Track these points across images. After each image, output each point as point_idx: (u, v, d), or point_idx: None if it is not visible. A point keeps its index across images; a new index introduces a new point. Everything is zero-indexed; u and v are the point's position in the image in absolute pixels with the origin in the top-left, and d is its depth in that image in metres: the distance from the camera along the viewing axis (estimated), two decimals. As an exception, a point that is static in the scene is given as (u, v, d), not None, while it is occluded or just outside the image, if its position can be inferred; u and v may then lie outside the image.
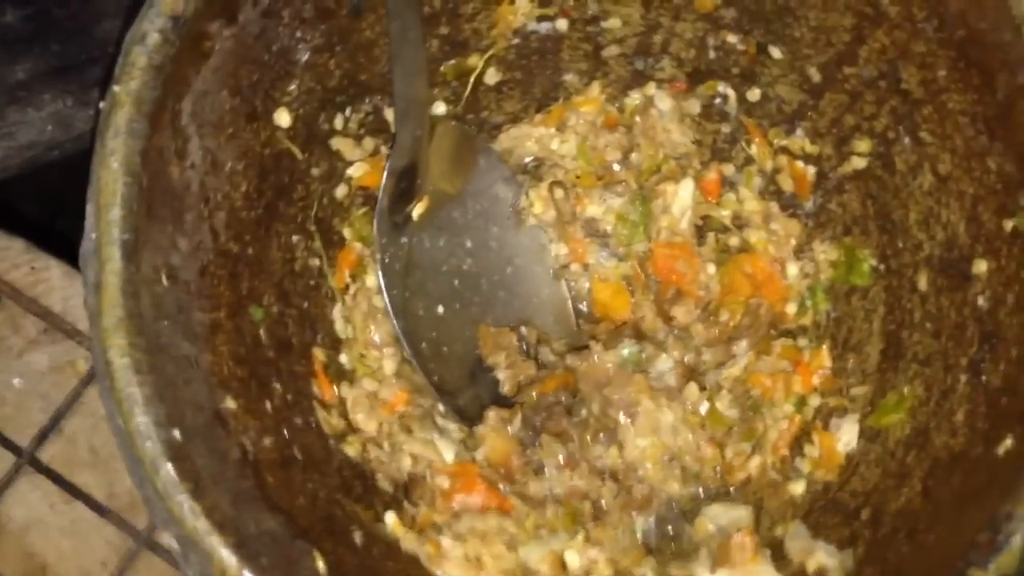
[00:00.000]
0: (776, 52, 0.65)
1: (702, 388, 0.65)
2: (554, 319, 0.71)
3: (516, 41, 0.69)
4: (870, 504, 0.57)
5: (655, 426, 0.63)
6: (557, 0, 0.67)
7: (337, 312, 0.66)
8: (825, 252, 0.66)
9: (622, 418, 0.63)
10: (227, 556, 0.47)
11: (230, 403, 0.54)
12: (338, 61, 0.63)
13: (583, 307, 0.72)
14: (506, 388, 0.68)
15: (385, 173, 0.64)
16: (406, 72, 0.62)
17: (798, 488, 0.62)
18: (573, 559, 0.60)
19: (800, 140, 0.67)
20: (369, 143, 0.67)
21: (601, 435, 0.64)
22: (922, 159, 0.60)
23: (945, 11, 0.56)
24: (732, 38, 0.66)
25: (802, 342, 0.66)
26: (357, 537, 0.57)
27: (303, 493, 0.56)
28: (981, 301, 0.56)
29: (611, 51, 0.69)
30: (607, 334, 0.68)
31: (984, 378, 0.54)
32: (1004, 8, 0.52)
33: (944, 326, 0.58)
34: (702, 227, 0.70)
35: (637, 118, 0.70)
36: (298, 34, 0.60)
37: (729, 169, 0.70)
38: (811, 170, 0.67)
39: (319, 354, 0.64)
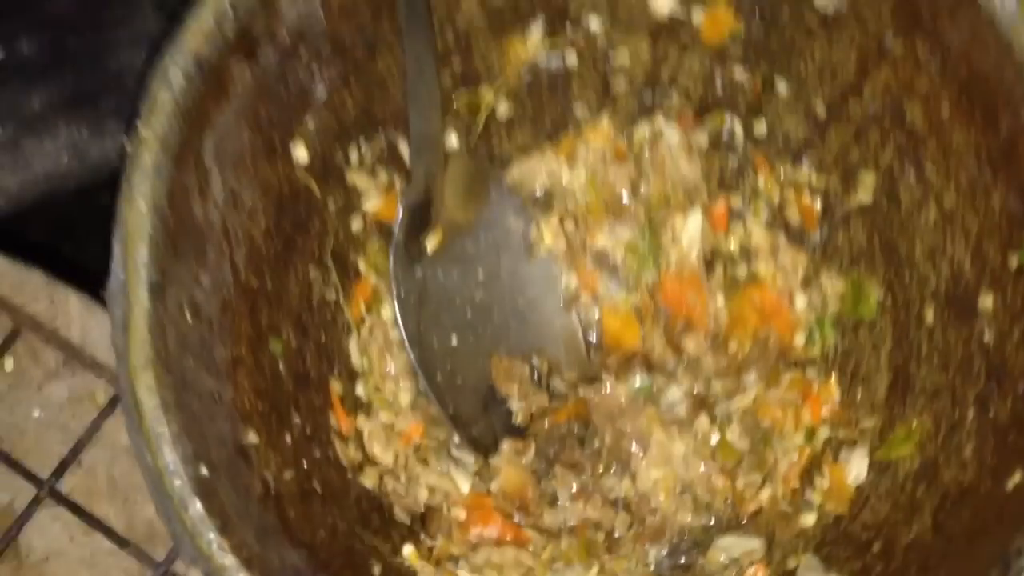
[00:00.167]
0: (782, 86, 0.66)
1: (712, 419, 0.66)
2: (565, 349, 0.72)
3: (527, 75, 0.70)
4: (881, 537, 0.58)
5: (667, 457, 0.64)
6: (566, 35, 0.68)
7: (353, 344, 0.67)
8: (832, 284, 0.67)
9: (635, 449, 0.64)
10: (256, 592, 0.48)
11: (252, 437, 0.56)
12: (354, 97, 0.64)
13: (593, 337, 0.73)
14: (519, 418, 0.69)
15: (400, 207, 0.66)
16: (421, 109, 0.63)
17: (809, 520, 0.63)
18: (589, 591, 0.61)
19: (806, 172, 0.68)
20: (384, 176, 0.68)
21: (614, 466, 0.65)
22: (927, 194, 0.61)
23: (948, 50, 0.57)
24: (739, 72, 0.68)
25: (811, 373, 0.67)
26: (376, 570, 0.58)
27: (323, 526, 0.57)
28: (987, 336, 0.57)
29: (620, 84, 0.70)
30: (618, 365, 0.69)
31: (992, 413, 0.55)
32: (1007, 49, 0.53)
33: (951, 360, 0.59)
34: (711, 259, 0.71)
35: (646, 150, 0.71)
36: (315, 71, 0.61)
37: (737, 201, 0.71)
38: (818, 202, 0.68)
39: (336, 386, 0.65)
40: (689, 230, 0.69)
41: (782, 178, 0.69)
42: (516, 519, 0.63)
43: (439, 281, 0.68)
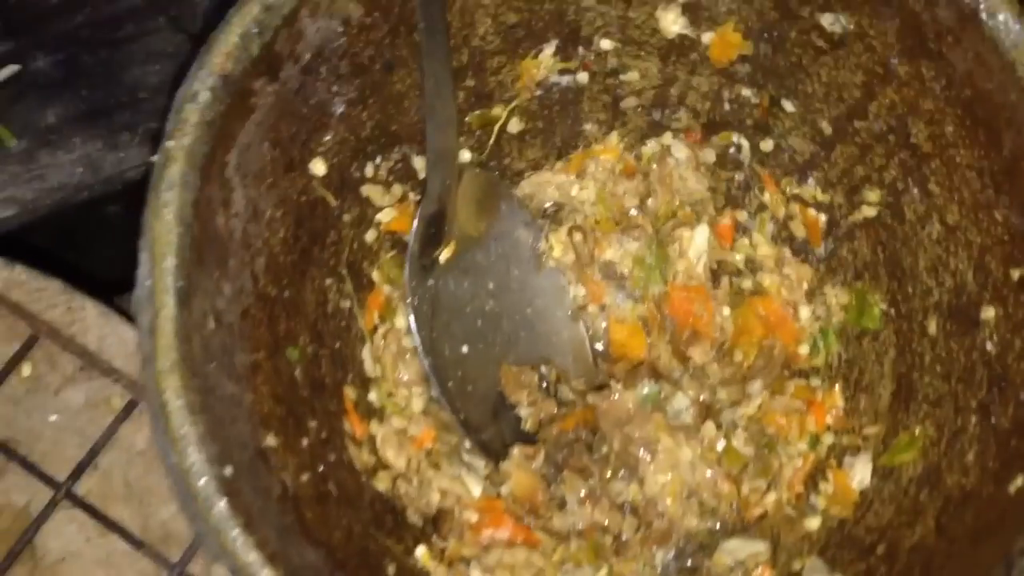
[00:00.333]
0: (789, 106, 0.68)
1: (718, 426, 0.67)
2: (573, 358, 0.73)
3: (539, 93, 0.71)
4: (885, 540, 0.59)
5: (674, 462, 0.65)
6: (578, 54, 0.70)
7: (367, 352, 0.68)
8: (836, 296, 0.69)
9: (642, 454, 0.66)
10: (278, 588, 0.49)
11: (271, 440, 0.57)
12: (370, 113, 0.66)
13: (600, 347, 0.74)
14: (528, 425, 0.70)
15: (416, 219, 0.67)
16: (438, 125, 0.65)
17: (814, 523, 0.64)
18: (598, 592, 0.62)
19: (812, 189, 0.69)
20: (398, 190, 0.69)
21: (621, 471, 0.66)
22: (931, 209, 0.62)
23: (953, 71, 0.58)
24: (746, 92, 0.69)
25: (815, 382, 0.69)
26: (390, 570, 0.60)
27: (339, 527, 0.59)
28: (989, 346, 0.58)
29: (629, 102, 0.72)
30: (625, 373, 0.71)
31: (994, 420, 0.57)
32: (1009, 70, 0.55)
33: (954, 369, 0.61)
34: (717, 271, 0.73)
35: (654, 166, 0.73)
36: (334, 88, 0.63)
37: (743, 215, 0.73)
38: (822, 217, 0.69)
39: (350, 393, 0.66)
40: (696, 243, 0.71)
41: (788, 194, 0.71)
42: (526, 522, 0.64)
43: (451, 291, 0.70)
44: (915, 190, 0.63)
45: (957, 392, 0.60)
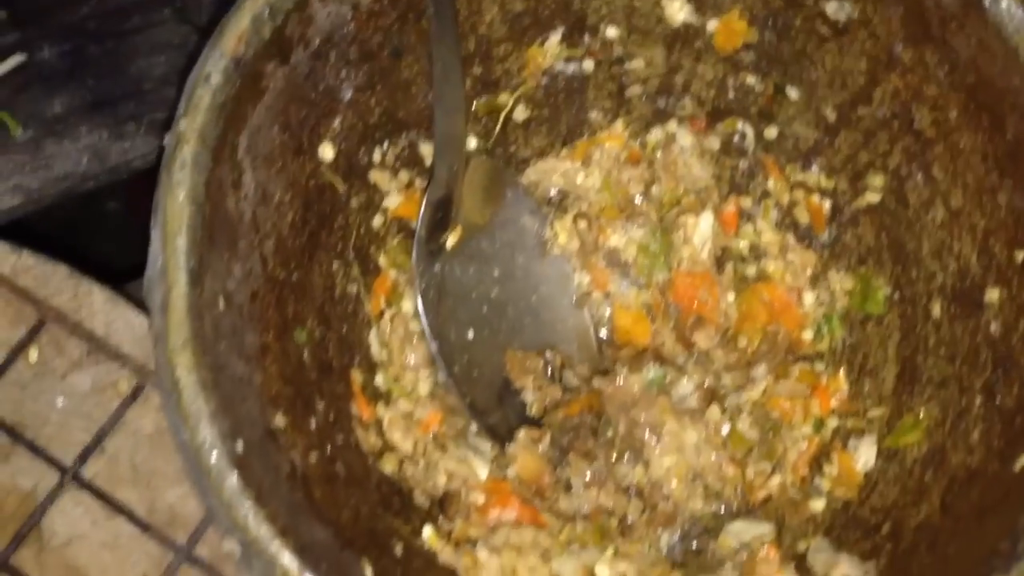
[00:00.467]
0: (793, 93, 0.69)
1: (723, 410, 0.68)
2: (577, 345, 0.74)
3: (544, 81, 0.72)
4: (890, 519, 0.60)
5: (679, 445, 0.66)
6: (584, 43, 0.71)
7: (373, 336, 0.69)
8: (840, 282, 0.69)
9: (647, 437, 0.66)
10: (289, 561, 0.50)
11: (279, 420, 0.57)
12: (378, 99, 0.66)
13: (605, 334, 0.75)
14: (533, 410, 0.71)
15: (423, 204, 0.68)
16: (446, 110, 0.65)
17: (818, 505, 0.65)
18: (604, 572, 0.62)
19: (816, 175, 0.70)
20: (404, 176, 0.70)
21: (627, 454, 0.67)
22: (934, 194, 0.63)
23: (956, 57, 0.59)
24: (751, 79, 0.70)
25: (819, 367, 0.69)
26: (398, 549, 0.60)
27: (347, 507, 0.59)
28: (994, 328, 0.59)
29: (634, 90, 0.73)
30: (630, 358, 0.71)
31: (998, 400, 0.57)
32: (1013, 55, 0.55)
33: (958, 351, 0.61)
34: (721, 257, 0.73)
35: (659, 154, 0.73)
36: (343, 74, 0.63)
37: (747, 202, 0.73)
38: (826, 204, 0.70)
39: (357, 376, 0.66)
40: (700, 230, 0.71)
41: (792, 180, 0.71)
42: (533, 504, 0.65)
43: (457, 277, 0.70)
44: (919, 175, 0.64)
45: (961, 374, 0.60)
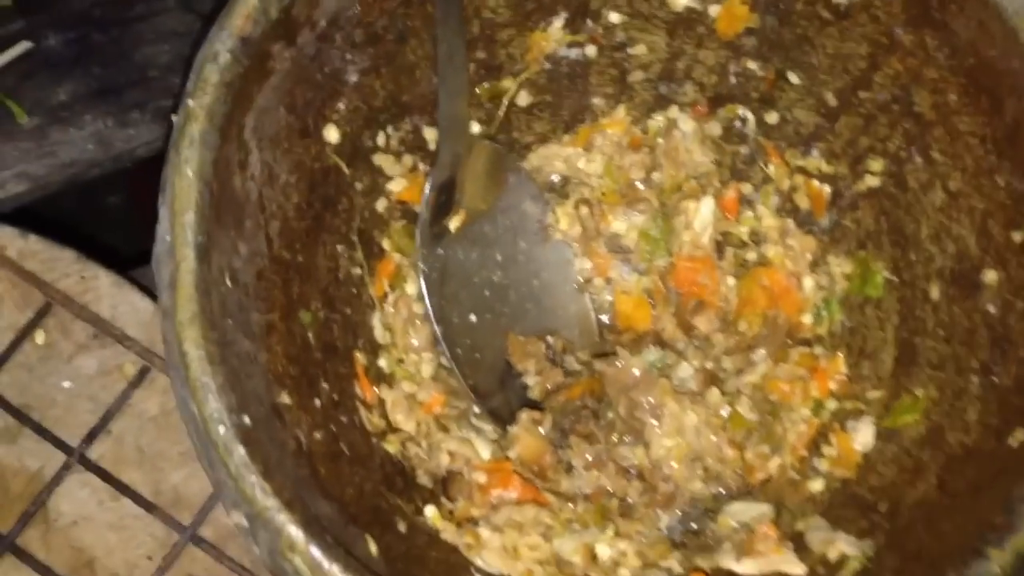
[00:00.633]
0: (794, 78, 0.69)
1: (723, 393, 0.68)
2: (579, 330, 0.75)
3: (547, 66, 0.73)
4: (888, 498, 0.60)
5: (680, 427, 0.66)
6: (587, 28, 0.71)
7: (377, 319, 0.69)
8: (840, 266, 0.70)
9: (648, 419, 0.67)
10: (295, 532, 0.50)
11: (285, 398, 0.58)
12: (383, 83, 0.67)
13: (606, 319, 0.75)
14: (535, 393, 0.71)
15: (427, 187, 0.68)
16: (450, 93, 0.66)
17: (817, 485, 0.65)
18: (604, 551, 0.63)
19: (816, 160, 0.71)
20: (408, 160, 0.70)
21: (627, 436, 0.67)
22: (933, 177, 0.64)
23: (956, 40, 0.60)
24: (752, 65, 0.71)
25: (818, 350, 0.70)
26: (401, 527, 0.61)
27: (351, 485, 0.60)
28: (991, 308, 0.59)
29: (637, 76, 0.73)
30: (631, 342, 0.72)
31: (995, 379, 0.58)
32: (1012, 37, 0.56)
33: (956, 332, 0.62)
34: (722, 243, 0.74)
35: (660, 139, 0.74)
36: (348, 57, 0.64)
37: (747, 188, 0.74)
38: (826, 188, 0.70)
39: (360, 358, 0.67)
40: (701, 216, 0.72)
41: (792, 166, 0.72)
42: (534, 484, 0.65)
43: (459, 261, 0.71)
44: (918, 158, 0.64)
45: (959, 354, 0.61)
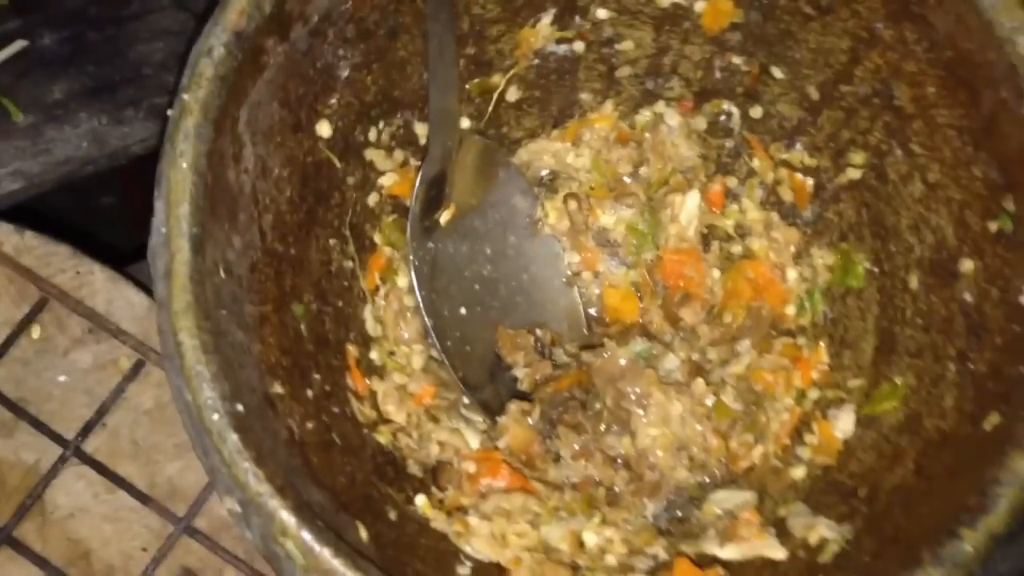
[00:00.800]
0: (778, 72, 0.71)
1: (708, 383, 0.69)
2: (568, 323, 0.76)
3: (536, 62, 0.74)
4: (867, 483, 0.61)
5: (665, 417, 0.67)
6: (575, 24, 0.72)
7: (368, 312, 0.70)
8: (822, 257, 0.71)
9: (634, 408, 0.68)
10: (287, 517, 0.51)
11: (278, 388, 0.59)
12: (374, 78, 0.68)
13: (594, 312, 0.76)
14: (524, 385, 0.72)
15: (418, 181, 0.69)
16: (441, 88, 0.67)
17: (799, 473, 0.66)
18: (591, 538, 0.64)
19: (799, 154, 0.72)
20: (399, 155, 0.71)
21: (614, 426, 0.68)
22: (913, 169, 0.65)
23: (935, 34, 0.61)
24: (737, 60, 0.72)
25: (801, 341, 0.71)
26: (392, 515, 0.62)
27: (343, 474, 0.61)
28: (968, 296, 0.60)
29: (624, 71, 0.74)
30: (619, 334, 0.73)
31: (971, 365, 0.59)
32: (988, 30, 0.57)
33: (934, 321, 0.63)
34: (707, 235, 0.75)
35: (647, 134, 0.75)
36: (340, 52, 0.65)
37: (733, 181, 0.75)
38: (809, 181, 0.72)
39: (352, 350, 0.68)
40: (687, 209, 0.73)
41: (776, 159, 0.73)
42: (523, 473, 0.66)
43: (450, 254, 0.72)
44: (898, 151, 0.65)
45: (937, 342, 0.62)
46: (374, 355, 0.69)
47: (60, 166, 0.85)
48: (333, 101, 0.66)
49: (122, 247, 0.87)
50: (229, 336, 0.56)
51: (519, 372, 0.73)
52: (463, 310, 0.72)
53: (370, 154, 0.70)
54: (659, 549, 0.64)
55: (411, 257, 0.69)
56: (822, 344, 0.70)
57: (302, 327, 0.64)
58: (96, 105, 0.87)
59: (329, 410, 0.64)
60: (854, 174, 0.69)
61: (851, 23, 0.65)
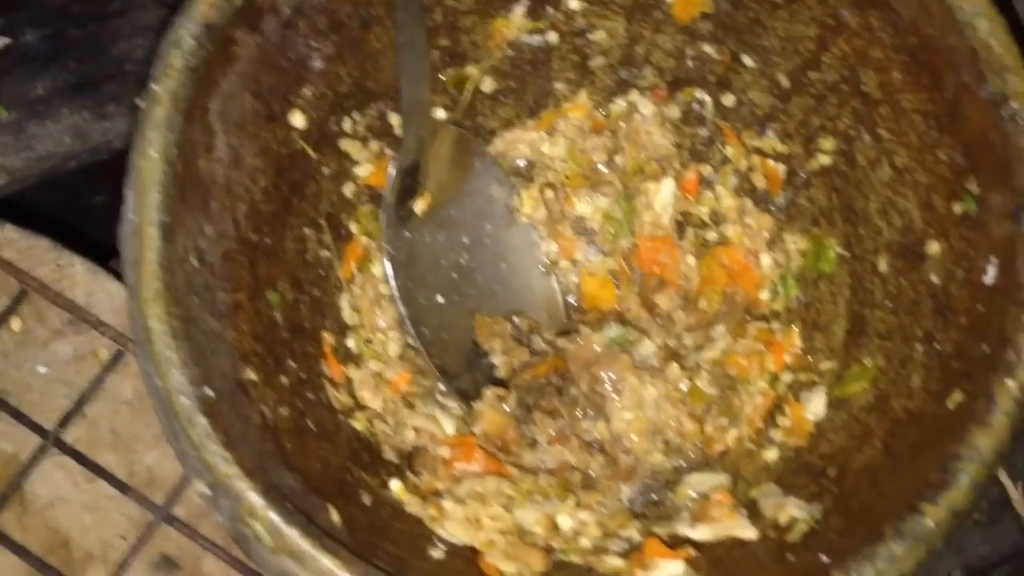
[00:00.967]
0: (748, 60, 0.71)
1: (683, 368, 0.70)
2: (546, 311, 0.76)
3: (510, 52, 0.74)
4: (836, 463, 0.62)
5: (640, 400, 0.68)
6: (548, 15, 0.73)
7: (344, 300, 0.70)
8: (795, 243, 0.71)
9: (609, 392, 0.68)
10: (255, 499, 0.51)
11: (251, 375, 0.59)
12: (348, 69, 0.68)
13: (572, 299, 0.77)
14: (501, 372, 0.73)
15: (391, 170, 0.70)
16: (412, 79, 0.67)
17: (771, 455, 0.67)
18: (565, 521, 0.64)
19: (771, 141, 0.72)
20: (375, 145, 0.72)
21: (589, 411, 0.69)
22: (880, 154, 0.65)
23: (899, 20, 0.61)
24: (708, 48, 0.72)
25: (775, 325, 0.71)
26: (366, 500, 0.62)
27: (317, 459, 0.61)
28: (934, 278, 0.61)
29: (597, 61, 0.75)
30: (596, 321, 0.73)
31: (937, 346, 0.59)
32: (949, 15, 0.58)
33: (902, 303, 0.63)
34: (682, 223, 0.75)
35: (621, 123, 0.75)
36: (313, 44, 0.66)
37: (707, 169, 0.75)
38: (781, 168, 0.72)
39: (328, 338, 0.68)
40: (662, 196, 0.73)
41: (749, 146, 0.73)
42: (498, 457, 0.67)
43: (426, 243, 0.72)
44: (866, 136, 0.66)
45: (905, 324, 0.62)
46: (350, 343, 0.70)
47: (42, 161, 0.86)
48: (307, 92, 0.67)
49: (106, 241, 0.87)
50: (201, 323, 0.57)
51: (496, 359, 0.73)
52: (440, 298, 0.73)
53: (345, 144, 0.70)
54: (633, 532, 0.65)
55: (386, 246, 0.70)
56: (795, 328, 0.70)
57: (277, 315, 0.64)
58: (78, 101, 0.87)
59: (304, 396, 0.64)
60: (824, 160, 0.69)
61: (818, 10, 0.66)
